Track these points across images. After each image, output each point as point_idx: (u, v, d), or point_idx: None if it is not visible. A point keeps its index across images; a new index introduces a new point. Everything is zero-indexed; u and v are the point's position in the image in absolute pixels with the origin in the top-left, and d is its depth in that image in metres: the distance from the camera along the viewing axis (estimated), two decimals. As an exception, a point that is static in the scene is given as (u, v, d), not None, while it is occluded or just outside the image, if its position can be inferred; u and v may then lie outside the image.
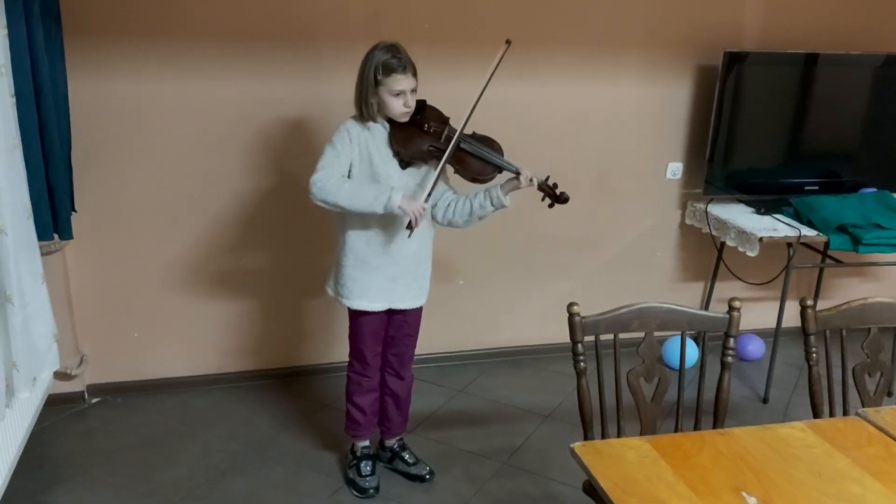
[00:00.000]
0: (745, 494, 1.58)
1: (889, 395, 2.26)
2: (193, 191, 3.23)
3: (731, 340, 2.11)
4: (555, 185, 2.52)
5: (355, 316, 2.66)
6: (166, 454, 2.98)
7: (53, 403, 3.10)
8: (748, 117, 3.59)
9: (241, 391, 3.46)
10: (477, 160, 2.52)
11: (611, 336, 2.05)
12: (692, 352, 3.61)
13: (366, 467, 2.82)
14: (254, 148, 3.23)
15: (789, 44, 3.60)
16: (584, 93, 3.54)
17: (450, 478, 2.89)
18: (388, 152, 2.50)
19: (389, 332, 2.72)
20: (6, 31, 2.36)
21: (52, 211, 2.76)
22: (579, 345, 2.03)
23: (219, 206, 3.27)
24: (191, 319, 3.39)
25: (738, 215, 3.56)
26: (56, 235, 2.84)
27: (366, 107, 2.46)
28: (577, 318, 2.02)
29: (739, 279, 3.86)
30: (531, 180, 2.48)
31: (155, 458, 2.96)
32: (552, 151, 3.49)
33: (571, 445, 1.72)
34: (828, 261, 3.74)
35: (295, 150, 3.23)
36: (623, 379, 2.07)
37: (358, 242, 2.56)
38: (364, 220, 2.52)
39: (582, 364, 2.04)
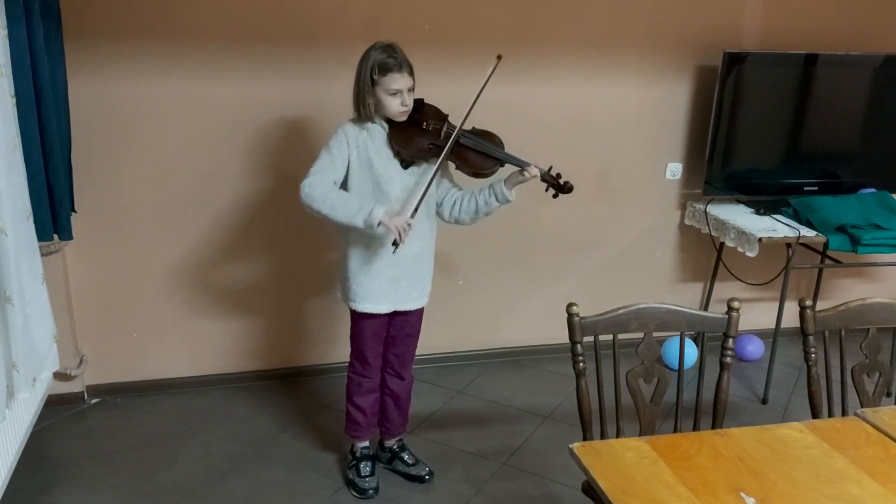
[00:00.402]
0: (743, 495, 1.58)
1: (888, 395, 2.25)
2: (193, 191, 3.23)
3: (731, 341, 2.11)
4: (558, 175, 2.51)
5: (358, 318, 2.66)
6: (166, 455, 2.98)
7: (53, 404, 3.10)
8: (748, 118, 3.60)
9: (240, 391, 3.47)
10: (477, 154, 2.51)
11: (610, 336, 2.05)
12: (691, 352, 3.61)
13: (365, 468, 2.82)
14: (254, 149, 3.24)
15: (789, 44, 3.61)
16: (584, 93, 3.54)
17: (449, 478, 2.89)
18: (389, 153, 2.50)
19: (390, 332, 2.73)
20: (6, 32, 2.36)
21: (52, 211, 2.76)
22: (578, 345, 2.03)
23: (219, 206, 3.28)
24: (190, 320, 3.39)
25: (737, 216, 3.56)
26: (56, 236, 2.84)
27: (363, 107, 2.46)
28: (577, 319, 2.02)
29: (739, 279, 3.86)
30: (534, 172, 2.47)
31: (155, 458, 2.96)
32: (552, 152, 3.44)
33: (570, 446, 1.73)
34: (827, 261, 3.74)
35: (295, 151, 3.23)
36: (622, 379, 2.07)
37: (359, 245, 2.56)
38: None
39: (581, 364, 2.04)
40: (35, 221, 2.58)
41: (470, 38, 3.26)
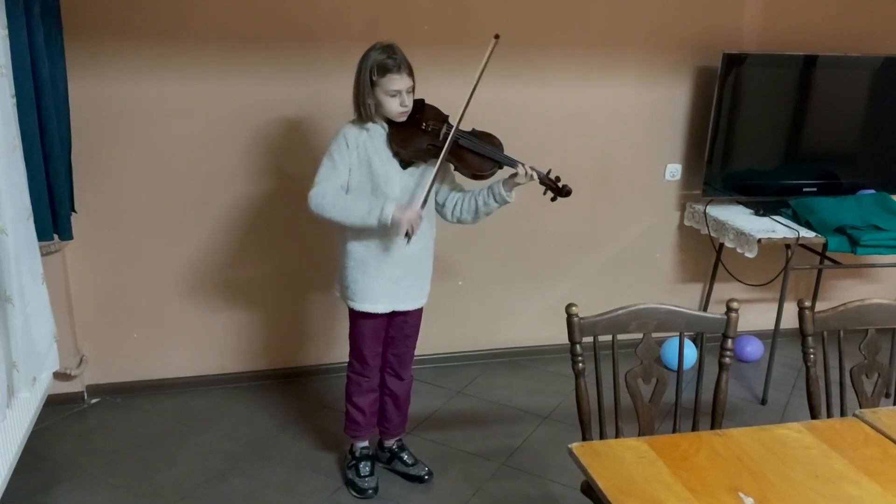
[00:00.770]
0: (742, 495, 1.58)
1: (887, 396, 2.26)
2: (193, 192, 3.23)
3: (730, 341, 2.12)
4: (557, 179, 2.52)
5: (357, 317, 2.67)
6: (166, 454, 2.99)
7: (53, 404, 3.10)
8: (747, 119, 3.60)
9: (240, 392, 3.47)
10: (476, 156, 2.52)
11: (609, 337, 2.05)
12: (690, 353, 3.61)
13: (365, 468, 2.82)
14: (254, 149, 3.24)
15: (788, 45, 3.61)
16: (584, 94, 3.55)
17: (448, 478, 2.90)
18: (388, 153, 2.51)
19: (390, 332, 2.73)
20: (7, 32, 2.37)
21: (52, 211, 2.77)
22: (578, 346, 2.03)
23: (218, 207, 3.28)
24: (190, 320, 3.39)
25: (736, 217, 3.57)
26: (56, 236, 2.84)
27: (363, 108, 2.46)
28: (576, 319, 2.03)
29: (738, 280, 3.86)
30: (532, 174, 2.48)
31: (154, 458, 2.96)
32: (551, 153, 3.45)
33: (570, 446, 1.73)
34: (826, 262, 3.74)
35: (295, 151, 3.23)
36: (621, 380, 2.07)
37: (358, 245, 2.57)
38: None
39: (580, 365, 2.05)
40: (35, 221, 2.58)
41: (470, 39, 3.24)
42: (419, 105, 2.53)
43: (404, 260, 2.58)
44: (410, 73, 2.44)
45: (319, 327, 3.55)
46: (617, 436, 2.06)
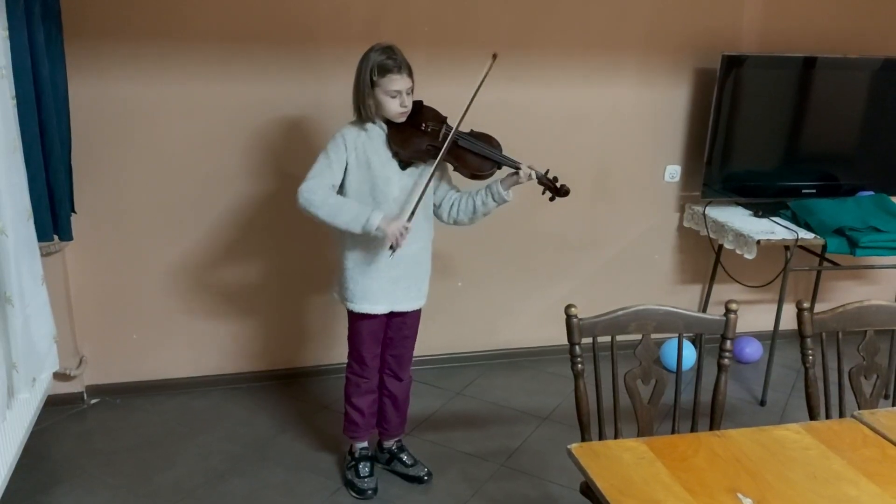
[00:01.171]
0: (740, 496, 1.58)
1: (885, 397, 2.26)
2: (193, 192, 3.23)
3: (729, 343, 2.12)
4: (555, 179, 2.53)
5: (356, 318, 2.67)
6: (165, 455, 2.99)
7: (53, 404, 3.10)
8: (746, 120, 3.60)
9: (240, 392, 3.47)
10: (475, 156, 2.53)
11: (608, 338, 2.06)
12: (689, 354, 3.62)
13: (364, 468, 2.82)
14: (254, 150, 3.24)
15: (787, 47, 3.62)
16: (583, 95, 3.55)
17: (448, 479, 2.90)
18: (387, 154, 2.51)
19: (388, 333, 2.73)
20: (7, 34, 2.37)
21: (52, 212, 2.77)
22: (577, 347, 2.04)
23: (218, 207, 3.28)
24: (190, 321, 3.39)
25: (735, 218, 3.57)
26: (56, 237, 2.84)
27: (363, 108, 2.47)
28: (575, 320, 2.03)
29: (737, 282, 3.86)
30: (530, 174, 2.49)
31: (154, 459, 2.96)
32: (550, 154, 3.45)
33: (569, 447, 1.73)
34: (825, 264, 3.74)
35: (295, 151, 3.23)
36: (620, 381, 2.08)
37: (357, 245, 2.57)
38: None
39: (580, 366, 2.05)
40: (35, 222, 2.58)
41: (470, 40, 3.27)
42: (418, 106, 2.53)
43: (403, 261, 2.59)
44: (410, 74, 2.45)
45: (319, 328, 3.56)
46: (616, 437, 2.06)
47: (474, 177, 2.54)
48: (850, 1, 3.69)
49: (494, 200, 2.55)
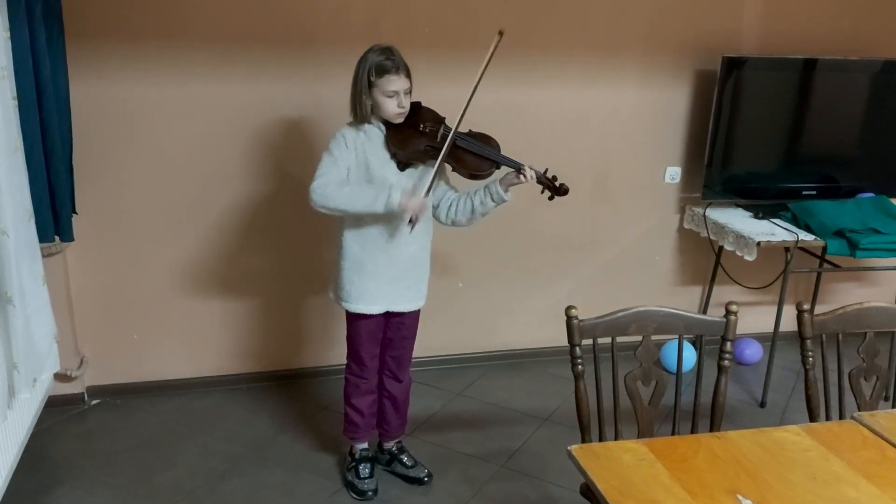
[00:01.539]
0: (740, 497, 1.59)
1: (885, 399, 2.26)
2: (194, 193, 3.24)
3: (729, 344, 2.12)
4: (554, 178, 2.53)
5: (353, 319, 2.67)
6: (165, 456, 2.99)
7: (53, 405, 3.10)
8: (747, 122, 3.60)
9: (240, 393, 3.47)
10: (474, 156, 2.53)
11: (609, 339, 2.06)
12: (690, 355, 3.62)
13: (364, 469, 2.82)
14: (254, 151, 3.25)
15: (788, 49, 3.62)
16: (584, 97, 3.55)
17: (448, 480, 2.90)
18: (385, 155, 2.51)
19: (387, 334, 2.73)
20: (9, 34, 2.37)
21: (54, 213, 2.77)
22: (577, 348, 2.04)
23: (219, 208, 3.28)
24: (190, 321, 3.39)
25: (736, 220, 3.57)
26: (57, 237, 2.84)
27: (360, 108, 2.47)
28: (575, 322, 2.03)
29: (737, 283, 3.87)
30: (529, 174, 2.49)
31: (154, 459, 2.97)
32: (550, 154, 3.45)
33: (569, 448, 1.73)
34: (825, 265, 3.75)
35: (295, 152, 3.24)
36: (621, 382, 2.08)
37: (354, 245, 2.58)
38: (360, 222, 2.54)
39: (580, 367, 2.05)
40: (36, 223, 2.58)
41: (470, 41, 3.24)
42: (416, 107, 2.53)
43: (401, 261, 2.59)
44: (408, 75, 2.45)
45: (318, 329, 3.56)
46: (616, 438, 2.07)
47: (473, 177, 2.55)
48: (850, 3, 3.70)
49: (493, 200, 2.54)
